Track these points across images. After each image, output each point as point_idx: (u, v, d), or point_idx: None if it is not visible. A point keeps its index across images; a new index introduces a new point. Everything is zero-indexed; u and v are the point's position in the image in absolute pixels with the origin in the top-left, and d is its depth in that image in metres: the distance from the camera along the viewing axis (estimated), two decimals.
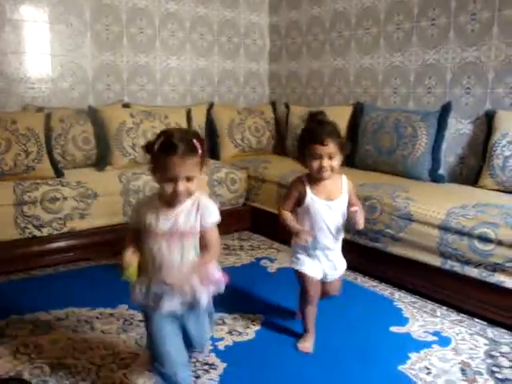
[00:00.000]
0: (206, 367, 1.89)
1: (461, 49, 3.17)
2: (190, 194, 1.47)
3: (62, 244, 2.95)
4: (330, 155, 1.85)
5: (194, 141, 1.45)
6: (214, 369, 1.88)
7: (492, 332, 2.21)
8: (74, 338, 2.10)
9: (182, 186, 1.43)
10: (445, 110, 3.20)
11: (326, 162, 1.85)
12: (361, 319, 2.32)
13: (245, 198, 3.70)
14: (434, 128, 3.16)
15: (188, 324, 1.59)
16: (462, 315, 2.36)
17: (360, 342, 2.11)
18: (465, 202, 2.49)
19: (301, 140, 1.93)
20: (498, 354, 2.03)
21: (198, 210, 1.50)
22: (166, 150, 1.42)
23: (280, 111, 4.41)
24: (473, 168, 3.10)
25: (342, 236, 2.04)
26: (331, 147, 1.84)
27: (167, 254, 1.50)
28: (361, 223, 1.91)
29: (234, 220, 3.62)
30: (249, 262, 3.07)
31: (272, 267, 2.98)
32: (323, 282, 2.06)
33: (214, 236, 1.55)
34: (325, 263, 2.02)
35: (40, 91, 3.56)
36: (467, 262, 2.33)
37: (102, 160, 3.42)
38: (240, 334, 2.15)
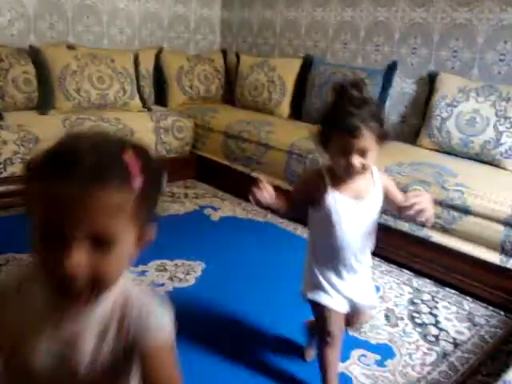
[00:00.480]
0: None
1: (410, 8, 3.22)
2: None
3: (1, 189, 2.89)
4: (364, 150, 1.29)
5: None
6: None
7: (417, 282, 2.39)
8: None
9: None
10: (390, 69, 3.28)
11: (356, 160, 1.29)
12: (297, 267, 2.43)
13: (191, 147, 3.71)
14: (379, 86, 3.24)
15: None
16: (393, 266, 2.53)
17: (293, 288, 2.23)
18: (401, 160, 2.60)
19: (325, 120, 1.37)
20: (419, 302, 2.20)
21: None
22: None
23: (230, 60, 4.37)
24: (414, 127, 3.22)
25: (370, 248, 1.52)
26: (367, 140, 1.28)
27: None
28: (429, 218, 1.37)
29: (180, 168, 3.63)
30: (192, 209, 3.12)
31: (215, 216, 3.04)
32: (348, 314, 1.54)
33: None
34: (351, 288, 1.48)
35: None
36: (399, 217, 2.47)
37: (44, 103, 3.31)
38: (180, 280, 2.23)
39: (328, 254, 1.47)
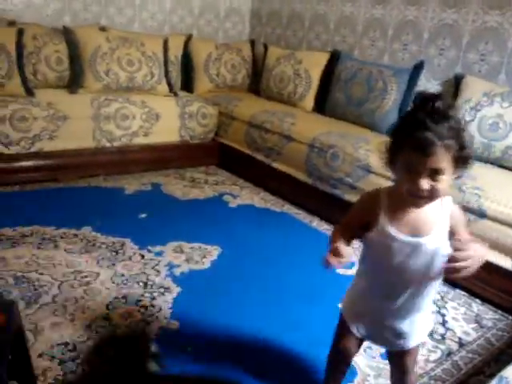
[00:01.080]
0: (162, 290, 2.03)
1: (440, 9, 3.21)
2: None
3: (29, 163, 2.98)
4: (436, 171, 1.11)
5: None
6: (169, 292, 2.02)
7: None
8: (38, 254, 2.20)
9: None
10: (417, 69, 3.28)
11: (424, 183, 1.11)
12: (311, 259, 2.49)
13: (214, 134, 3.76)
14: (404, 85, 3.25)
15: None
16: None
17: (307, 280, 2.28)
18: None
19: (396, 133, 1.19)
20: None
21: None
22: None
23: (258, 50, 4.40)
24: None
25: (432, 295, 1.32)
26: (440, 159, 1.10)
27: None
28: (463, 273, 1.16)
29: (202, 154, 3.70)
30: (212, 195, 3.18)
31: (234, 202, 3.10)
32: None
33: None
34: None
35: (11, 3, 3.45)
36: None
37: (74, 82, 3.39)
38: (196, 262, 2.30)
39: (377, 282, 1.32)
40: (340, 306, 1.49)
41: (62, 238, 2.37)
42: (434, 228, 1.19)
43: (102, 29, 3.63)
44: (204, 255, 2.37)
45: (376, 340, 1.44)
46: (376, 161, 2.67)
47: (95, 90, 3.35)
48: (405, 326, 1.32)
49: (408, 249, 1.19)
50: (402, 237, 1.19)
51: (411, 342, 1.35)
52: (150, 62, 3.56)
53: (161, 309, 1.91)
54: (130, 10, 3.95)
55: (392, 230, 1.20)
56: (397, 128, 1.19)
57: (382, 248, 1.22)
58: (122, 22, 3.92)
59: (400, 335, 1.33)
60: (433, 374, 1.75)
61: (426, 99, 1.13)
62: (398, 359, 1.43)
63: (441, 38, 3.23)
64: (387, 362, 1.77)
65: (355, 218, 1.31)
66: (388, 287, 1.27)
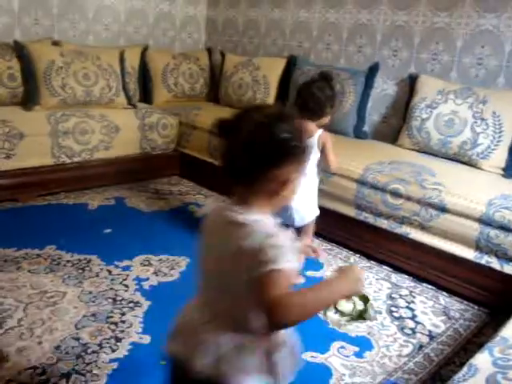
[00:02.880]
0: (131, 305, 2.00)
1: (392, 11, 3.30)
2: None
3: None
4: None
5: None
6: (139, 306, 1.99)
7: (395, 277, 2.46)
8: (1, 277, 2.13)
9: None
10: (372, 70, 3.35)
11: None
12: None
13: (176, 144, 3.74)
14: (361, 86, 3.32)
15: None
16: (372, 262, 2.60)
17: None
18: (382, 159, 2.68)
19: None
20: (397, 296, 2.28)
21: None
22: None
23: (215, 58, 4.41)
24: (394, 127, 3.30)
25: None
26: None
27: None
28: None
29: (165, 165, 3.67)
30: (177, 206, 3.16)
31: (199, 211, 3.08)
32: None
33: None
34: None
35: None
36: (379, 215, 2.54)
37: (29, 99, 3.31)
38: (165, 274, 2.27)
39: None
40: None
41: (24, 258, 2.30)
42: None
43: (55, 43, 3.57)
44: (172, 267, 2.35)
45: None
46: (339, 163, 2.70)
47: (51, 106, 3.28)
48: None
49: None
50: None
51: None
52: (107, 75, 3.52)
53: (132, 324, 1.87)
54: (83, 23, 3.89)
55: None
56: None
57: None
58: (75, 36, 3.86)
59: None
60: (406, 368, 1.78)
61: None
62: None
63: (393, 40, 3.32)
64: (361, 359, 1.80)
65: None
66: None
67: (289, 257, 0.90)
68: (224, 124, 1.05)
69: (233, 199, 1.06)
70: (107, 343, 1.75)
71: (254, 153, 0.96)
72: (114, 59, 3.64)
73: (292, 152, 0.98)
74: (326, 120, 2.28)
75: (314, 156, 2.22)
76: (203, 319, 1.04)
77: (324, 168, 2.34)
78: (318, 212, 2.36)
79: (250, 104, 3.76)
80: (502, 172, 2.66)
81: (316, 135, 2.22)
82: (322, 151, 2.24)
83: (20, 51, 3.34)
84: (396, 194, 2.45)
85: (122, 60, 3.72)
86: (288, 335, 1.05)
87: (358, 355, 1.83)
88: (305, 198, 2.21)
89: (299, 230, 2.26)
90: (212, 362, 0.98)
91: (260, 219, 0.96)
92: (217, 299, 1.05)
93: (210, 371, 0.98)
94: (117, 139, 3.36)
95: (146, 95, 4.03)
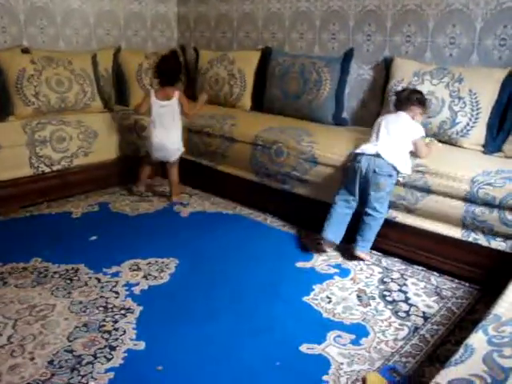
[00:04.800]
0: (123, 311, 1.98)
1: None
2: None
3: None
4: None
5: None
6: (131, 312, 1.97)
7: (386, 261, 2.47)
8: None
9: None
10: (347, 56, 3.35)
11: None
12: (269, 257, 2.49)
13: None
14: (337, 73, 3.31)
15: None
16: None
17: (268, 278, 2.28)
18: (359, 145, 2.67)
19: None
20: (389, 280, 2.29)
21: None
22: None
23: (189, 55, 4.37)
24: (373, 111, 3.29)
25: None
26: None
27: None
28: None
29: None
30: (162, 207, 3.13)
31: (185, 212, 3.06)
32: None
33: None
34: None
35: None
36: None
37: (2, 110, 3.24)
38: (155, 278, 2.25)
39: None
40: None
41: (10, 273, 2.26)
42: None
43: (25, 50, 3.48)
44: (162, 269, 2.33)
45: None
46: (321, 151, 2.70)
47: (26, 115, 3.21)
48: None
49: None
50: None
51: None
52: (81, 80, 3.46)
53: (125, 331, 1.85)
54: (52, 29, 3.82)
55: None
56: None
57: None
58: (45, 42, 3.78)
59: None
60: (403, 351, 1.79)
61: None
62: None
63: (366, 25, 3.31)
64: (359, 347, 1.80)
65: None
66: None
67: None
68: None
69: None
70: (101, 353, 1.73)
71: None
72: (86, 63, 3.58)
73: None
74: (179, 84, 3.24)
75: (177, 109, 3.14)
76: None
77: (183, 117, 3.21)
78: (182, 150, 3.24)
79: (223, 97, 3.74)
80: (481, 149, 2.67)
81: (175, 96, 3.12)
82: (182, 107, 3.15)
83: None
84: None
85: (94, 63, 3.66)
86: None
87: (355, 343, 1.83)
88: (168, 138, 3.13)
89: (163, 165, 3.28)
90: None
91: None
92: None
93: None
94: (96, 144, 3.31)
95: (123, 97, 3.97)
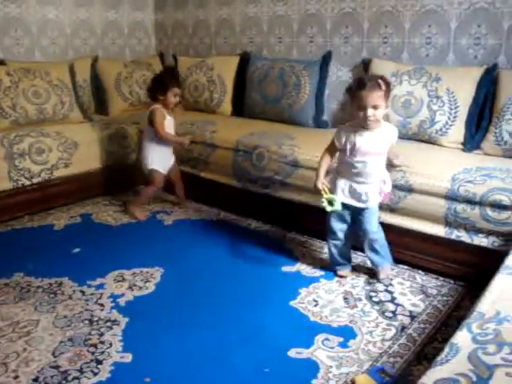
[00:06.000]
0: (109, 324, 1.95)
1: None
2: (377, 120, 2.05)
3: None
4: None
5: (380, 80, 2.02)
6: (117, 324, 1.95)
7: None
8: None
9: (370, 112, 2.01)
10: (325, 59, 3.37)
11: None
12: (255, 262, 2.48)
13: (138, 153, 3.67)
14: (316, 76, 3.33)
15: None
16: None
17: (254, 283, 2.28)
18: None
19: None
20: (375, 281, 2.29)
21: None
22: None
23: (168, 62, 4.35)
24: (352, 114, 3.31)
25: None
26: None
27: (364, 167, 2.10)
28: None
29: (129, 176, 3.60)
30: (145, 216, 3.10)
31: (168, 220, 3.04)
32: None
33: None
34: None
35: None
36: None
37: None
38: (140, 288, 2.22)
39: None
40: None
41: None
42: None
43: (0, 62, 3.45)
44: (147, 279, 2.30)
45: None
46: (302, 155, 2.70)
47: (3, 128, 3.17)
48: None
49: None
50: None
51: None
52: (59, 91, 3.43)
53: (111, 344, 1.83)
54: (28, 39, 3.78)
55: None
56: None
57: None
58: (20, 53, 3.74)
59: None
60: (391, 351, 1.79)
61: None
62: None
63: (343, 27, 3.33)
64: (347, 349, 1.80)
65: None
66: None
67: None
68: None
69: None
70: (88, 367, 1.70)
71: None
72: (63, 73, 3.55)
73: None
74: (164, 100, 2.98)
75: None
76: None
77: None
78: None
79: (203, 103, 3.73)
80: (461, 147, 2.70)
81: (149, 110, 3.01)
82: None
83: None
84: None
85: (72, 74, 3.63)
86: None
87: (343, 345, 1.83)
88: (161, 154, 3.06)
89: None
90: None
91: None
92: None
93: None
94: (76, 155, 3.28)
95: (102, 107, 3.95)
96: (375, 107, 2.03)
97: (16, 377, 1.65)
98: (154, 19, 4.59)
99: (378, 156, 2.15)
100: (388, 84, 2.06)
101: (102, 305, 2.09)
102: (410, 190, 2.33)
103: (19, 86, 3.27)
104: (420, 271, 2.38)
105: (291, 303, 2.11)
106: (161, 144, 3.02)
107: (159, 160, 3.04)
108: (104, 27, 4.25)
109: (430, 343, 1.84)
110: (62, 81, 3.49)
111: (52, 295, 2.17)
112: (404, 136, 2.84)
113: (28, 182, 3.09)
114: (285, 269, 2.42)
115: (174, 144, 3.06)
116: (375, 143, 2.13)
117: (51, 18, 3.89)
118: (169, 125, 3.03)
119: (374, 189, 2.18)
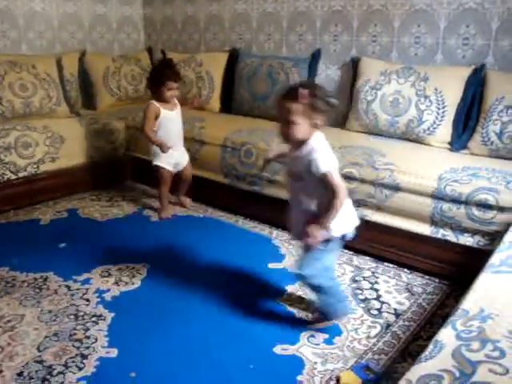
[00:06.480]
0: (95, 319, 1.94)
1: None
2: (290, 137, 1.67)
3: None
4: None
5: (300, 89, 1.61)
6: (103, 319, 1.94)
7: (357, 260, 2.49)
8: None
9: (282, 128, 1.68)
10: (315, 57, 3.37)
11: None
12: (242, 259, 2.48)
13: (125, 149, 3.65)
14: (305, 73, 3.33)
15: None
16: None
17: (241, 280, 2.28)
18: (333, 144, 2.67)
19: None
20: (361, 279, 2.31)
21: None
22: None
23: (157, 58, 4.32)
24: (342, 111, 3.32)
25: None
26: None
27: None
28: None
29: (115, 171, 3.58)
30: (131, 212, 3.09)
31: (155, 216, 3.03)
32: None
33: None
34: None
35: None
36: None
37: None
38: (126, 283, 2.21)
39: None
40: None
41: None
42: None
43: None
44: (133, 275, 2.29)
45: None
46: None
47: None
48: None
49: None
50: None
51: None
52: (46, 84, 3.40)
53: (96, 339, 1.82)
54: (14, 32, 3.73)
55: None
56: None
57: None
58: (6, 45, 3.69)
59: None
60: (375, 348, 1.81)
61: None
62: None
63: (333, 25, 3.34)
64: (332, 346, 1.81)
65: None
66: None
67: None
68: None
69: None
70: (73, 362, 1.69)
71: None
72: (51, 67, 3.51)
73: None
74: (160, 94, 2.86)
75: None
76: None
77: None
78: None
79: (191, 99, 3.72)
80: (448, 146, 2.73)
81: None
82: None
83: None
84: (349, 177, 2.47)
85: (59, 67, 3.60)
86: None
87: (328, 342, 1.84)
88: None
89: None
90: None
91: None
92: None
93: None
94: (63, 150, 3.25)
95: (89, 101, 3.92)
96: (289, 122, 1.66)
97: (0, 371, 1.64)
98: (143, 14, 4.56)
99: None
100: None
101: (87, 300, 2.08)
102: (396, 188, 2.34)
103: (5, 79, 3.24)
104: (405, 269, 2.39)
105: (277, 299, 2.12)
106: (166, 140, 2.87)
107: (164, 156, 2.90)
108: (92, 21, 4.21)
109: (415, 341, 1.86)
110: (49, 74, 3.45)
111: (37, 290, 2.15)
112: (392, 135, 2.86)
113: (14, 176, 3.06)
114: (271, 265, 2.42)
115: (154, 144, 2.89)
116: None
117: (38, 11, 3.85)
118: (168, 121, 2.90)
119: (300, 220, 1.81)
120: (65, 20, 4.03)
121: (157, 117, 2.88)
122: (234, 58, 3.73)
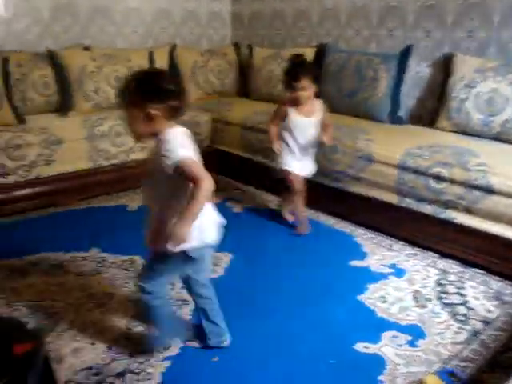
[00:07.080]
0: (179, 303, 2.01)
1: None
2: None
3: (28, 191, 2.94)
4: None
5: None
6: (187, 304, 2.00)
7: (442, 263, 2.40)
8: (49, 281, 2.17)
9: None
10: (405, 53, 3.26)
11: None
12: (324, 255, 2.47)
13: (210, 141, 3.74)
14: (394, 71, 3.23)
15: None
16: (417, 249, 2.54)
17: (323, 277, 2.26)
18: (421, 143, 2.61)
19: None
20: (446, 283, 2.22)
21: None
22: None
23: (243, 53, 4.38)
24: (431, 110, 3.21)
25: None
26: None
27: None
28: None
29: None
30: (215, 203, 3.14)
31: (238, 207, 3.07)
32: None
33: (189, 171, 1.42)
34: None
35: None
36: (422, 200, 2.48)
37: (64, 105, 3.36)
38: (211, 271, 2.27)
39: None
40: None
41: (71, 262, 2.34)
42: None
43: (86, 48, 3.61)
44: (216, 263, 2.35)
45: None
46: (378, 149, 2.65)
47: (86, 111, 3.32)
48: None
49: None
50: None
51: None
52: None
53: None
54: (112, 27, 3.92)
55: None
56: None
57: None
58: (104, 40, 3.89)
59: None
60: (461, 355, 1.73)
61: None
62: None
63: (425, 20, 3.22)
64: (415, 348, 1.76)
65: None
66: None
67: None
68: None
69: None
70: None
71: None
72: (143, 60, 3.67)
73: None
74: (292, 95, 2.64)
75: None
76: None
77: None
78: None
79: (276, 94, 3.73)
80: None
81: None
82: None
83: (52, 59, 3.39)
84: (439, 177, 2.39)
85: (151, 60, 3.75)
86: None
87: (411, 344, 1.79)
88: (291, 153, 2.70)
89: None
90: None
91: None
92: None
93: None
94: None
95: None
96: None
97: (93, 343, 1.75)
98: (231, 10, 4.64)
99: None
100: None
101: (172, 284, 2.14)
102: (489, 190, 2.23)
103: (102, 70, 3.42)
104: (495, 277, 2.27)
105: (358, 297, 2.09)
106: (292, 143, 2.60)
107: (291, 160, 2.63)
108: (183, 16, 4.34)
109: (505, 352, 1.76)
110: (142, 67, 3.59)
111: (125, 271, 2.25)
112: (485, 135, 2.74)
113: (106, 163, 3.23)
114: (353, 263, 2.39)
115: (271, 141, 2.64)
116: None
117: (134, 8, 4.01)
118: (296, 126, 2.58)
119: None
120: (157, 16, 4.18)
121: (284, 117, 2.61)
122: (321, 53, 3.69)
